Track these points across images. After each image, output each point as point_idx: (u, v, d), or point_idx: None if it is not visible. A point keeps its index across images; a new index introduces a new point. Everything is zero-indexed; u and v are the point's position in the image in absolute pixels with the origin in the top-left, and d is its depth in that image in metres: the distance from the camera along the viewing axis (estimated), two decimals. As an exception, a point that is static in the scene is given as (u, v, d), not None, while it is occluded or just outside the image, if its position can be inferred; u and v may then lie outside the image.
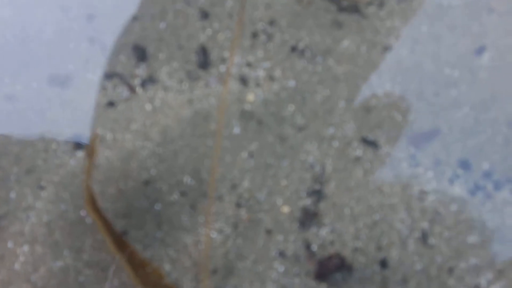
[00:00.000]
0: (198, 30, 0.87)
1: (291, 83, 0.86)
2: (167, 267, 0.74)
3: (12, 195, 0.75)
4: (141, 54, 0.87)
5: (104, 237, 0.70)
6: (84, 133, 0.80)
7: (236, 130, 0.83)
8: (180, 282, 0.73)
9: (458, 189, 0.78)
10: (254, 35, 0.87)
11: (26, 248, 0.71)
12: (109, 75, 0.85)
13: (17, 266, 0.70)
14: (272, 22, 0.87)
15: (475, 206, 0.77)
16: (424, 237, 0.76)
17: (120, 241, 0.69)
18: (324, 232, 0.77)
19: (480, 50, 0.83)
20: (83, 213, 0.73)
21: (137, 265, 0.68)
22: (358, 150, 0.81)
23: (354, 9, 0.88)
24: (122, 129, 0.81)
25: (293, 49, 0.87)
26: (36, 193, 0.75)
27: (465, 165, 0.79)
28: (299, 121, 0.84)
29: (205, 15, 0.88)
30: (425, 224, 0.76)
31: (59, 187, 0.76)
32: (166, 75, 0.86)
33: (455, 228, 0.77)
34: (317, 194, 0.80)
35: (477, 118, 0.81)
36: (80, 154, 0.78)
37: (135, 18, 0.87)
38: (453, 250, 0.76)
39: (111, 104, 0.83)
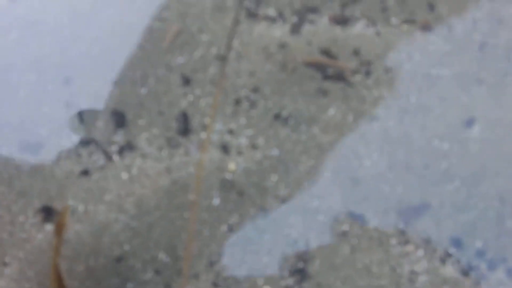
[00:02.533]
0: (180, 96, 0.84)
1: (274, 151, 0.82)
2: None
3: (-28, 272, 0.69)
4: (119, 120, 0.84)
5: None
6: (54, 205, 0.76)
7: (216, 201, 0.79)
8: None
9: (450, 269, 0.74)
10: (237, 102, 0.84)
11: (-18, 333, 0.65)
12: (85, 142, 0.82)
13: None
14: (255, 89, 0.85)
15: None
16: (415, 323, 0.71)
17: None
18: (308, 316, 0.72)
19: (470, 122, 0.80)
20: (48, 293, 0.68)
21: None
22: (345, 225, 0.77)
23: (340, 77, 0.86)
24: (95, 200, 0.77)
25: (277, 116, 0.84)
26: (0, 270, 0.70)
27: (457, 243, 0.75)
28: (282, 192, 0.80)
29: (186, 81, 0.85)
30: (416, 308, 0.72)
31: (23, 264, 0.70)
32: (145, 142, 0.83)
33: (448, 312, 0.72)
34: (300, 273, 0.75)
35: (468, 192, 0.77)
36: (49, 227, 0.74)
37: (114, 83, 0.84)
38: (447, 337, 0.71)
39: (85, 172, 0.79)
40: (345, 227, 0.75)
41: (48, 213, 0.72)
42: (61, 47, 0.84)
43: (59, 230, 0.64)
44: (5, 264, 0.69)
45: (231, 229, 0.75)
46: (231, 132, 0.81)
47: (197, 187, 0.76)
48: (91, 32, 0.85)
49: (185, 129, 0.82)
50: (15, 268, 0.68)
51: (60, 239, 0.64)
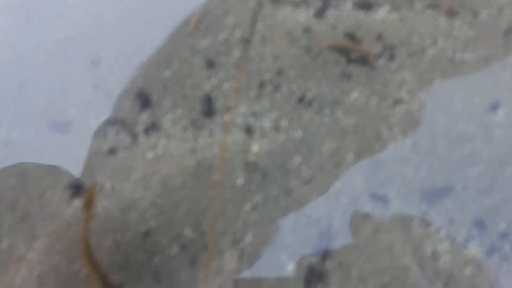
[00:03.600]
0: (203, 79, 0.86)
1: (298, 134, 0.84)
2: (163, 327, 0.70)
3: (4, 244, 0.71)
4: (145, 101, 0.86)
5: None
6: (82, 182, 0.78)
7: (240, 181, 0.81)
8: None
9: (473, 250, 0.74)
10: (261, 85, 0.86)
11: (13, 303, 0.67)
12: (111, 122, 0.84)
13: (3, 322, 0.66)
14: (279, 73, 0.86)
15: (492, 269, 0.74)
16: (438, 302, 0.72)
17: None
18: (331, 293, 0.73)
19: (494, 106, 0.81)
20: (77, 266, 0.70)
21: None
22: (367, 206, 0.78)
23: (364, 61, 0.87)
24: (122, 178, 0.79)
25: (301, 100, 0.86)
26: (29, 244, 0.72)
27: (480, 225, 0.76)
28: (305, 173, 0.81)
29: (210, 64, 0.87)
30: (439, 287, 0.72)
31: (53, 238, 0.72)
32: (170, 123, 0.84)
33: (471, 293, 0.72)
34: (323, 252, 0.76)
35: (492, 176, 0.78)
36: (77, 203, 0.76)
37: (140, 65, 0.87)
38: (469, 317, 0.71)
39: (111, 151, 0.81)
40: (368, 209, 0.76)
41: (76, 189, 0.75)
42: (89, 30, 0.87)
43: (88, 205, 0.66)
44: (34, 238, 0.71)
45: (255, 209, 0.77)
46: (254, 114, 0.83)
47: (221, 167, 0.78)
48: (118, 16, 0.87)
49: (209, 111, 0.83)
50: (44, 241, 0.70)
51: (89, 214, 0.66)
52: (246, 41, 0.86)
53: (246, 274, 0.73)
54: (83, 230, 0.66)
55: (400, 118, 0.80)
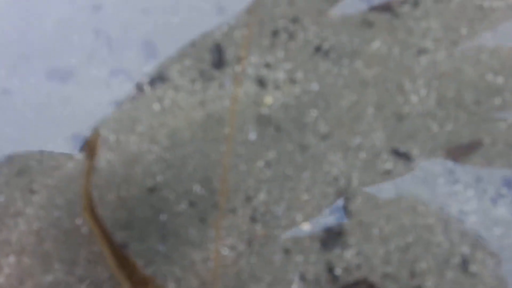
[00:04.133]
0: (213, 26, 0.80)
1: (314, 86, 0.78)
2: (171, 286, 0.66)
3: (0, 198, 0.67)
4: (150, 50, 0.80)
5: (101, 249, 0.62)
6: (84, 133, 0.73)
7: (252, 136, 0.76)
8: (185, 305, 0.65)
9: (502, 210, 0.70)
10: (275, 33, 0.80)
11: (12, 258, 0.63)
12: (114, 72, 0.78)
13: (0, 279, 0.62)
14: (294, 20, 0.80)
15: (520, 230, 0.69)
16: (464, 264, 0.68)
17: (119, 254, 0.61)
18: (349, 254, 0.69)
19: (527, 56, 0.75)
20: (78, 221, 0.65)
21: (138, 282, 0.60)
22: (388, 163, 0.73)
23: (386, 8, 0.81)
24: (126, 130, 0.74)
25: (317, 49, 0.80)
26: (27, 198, 0.67)
27: (509, 183, 0.71)
28: (322, 128, 0.76)
29: (221, 10, 0.81)
30: (465, 249, 0.68)
31: (53, 192, 0.68)
32: (177, 74, 0.79)
33: (499, 254, 0.68)
34: (341, 211, 0.72)
35: (523, 131, 0.72)
36: (79, 156, 0.71)
37: (145, 11, 0.81)
38: (497, 279, 0.67)
39: (115, 102, 0.76)
40: (389, 166, 0.71)
41: (78, 141, 0.70)
42: (90, -26, 0.80)
43: (91, 156, 0.61)
44: (32, 192, 0.66)
45: (268, 165, 0.72)
46: (268, 65, 0.77)
47: (232, 121, 0.73)
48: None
49: (219, 62, 0.78)
50: (43, 195, 0.66)
51: (91, 166, 0.61)
52: (259, -14, 0.79)
53: (260, 233, 0.68)
54: (85, 183, 0.61)
55: (424, 69, 0.75)
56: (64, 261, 0.63)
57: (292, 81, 0.76)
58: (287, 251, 0.68)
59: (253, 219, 0.69)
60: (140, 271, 0.61)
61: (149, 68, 0.76)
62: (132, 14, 0.78)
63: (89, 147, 0.62)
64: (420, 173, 0.70)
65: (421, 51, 0.75)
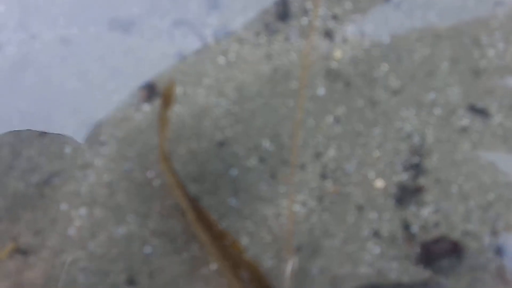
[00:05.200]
0: (279, -24, 0.77)
1: (385, 39, 0.75)
2: (244, 240, 0.64)
3: (67, 150, 0.65)
4: (213, 2, 0.77)
5: (179, 201, 0.60)
6: (149, 85, 0.70)
7: (321, 91, 0.73)
8: (260, 259, 0.63)
9: None
10: (343, -16, 0.76)
11: (82, 211, 0.62)
12: (177, 23, 0.76)
13: (71, 231, 0.61)
14: (364, -30, 0.76)
15: None
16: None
17: (196, 207, 0.60)
18: (426, 212, 0.66)
19: None
20: (150, 174, 0.64)
21: (213, 236, 0.59)
22: (465, 119, 0.70)
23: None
24: (193, 83, 0.72)
25: (388, 0, 0.76)
26: (95, 149, 0.65)
27: None
28: (393, 83, 0.73)
29: (287, -41, 0.77)
30: (548, 208, 0.65)
31: (122, 144, 0.66)
32: (242, 27, 0.76)
33: None
34: (416, 168, 0.69)
35: None
36: (147, 107, 0.69)
37: (207, -40, 0.77)
38: None
39: (180, 55, 0.73)
40: (465, 122, 0.68)
41: (148, 91, 0.67)
42: None
43: (166, 104, 0.59)
44: (101, 143, 0.64)
45: (338, 121, 0.69)
46: (335, 17, 0.74)
47: (301, 75, 0.70)
48: None
49: (284, 14, 0.74)
50: (112, 147, 0.64)
51: (166, 116, 0.59)
52: None
53: (330, 190, 0.66)
54: (160, 134, 0.59)
55: (501, 22, 0.71)
56: (137, 213, 0.61)
57: (362, 33, 0.73)
58: (360, 208, 0.65)
59: (323, 176, 0.67)
60: (216, 225, 0.59)
61: (212, 19, 0.73)
62: (194, -37, 0.75)
63: (164, 96, 0.59)
64: (499, 130, 0.67)
65: (498, 3, 0.71)
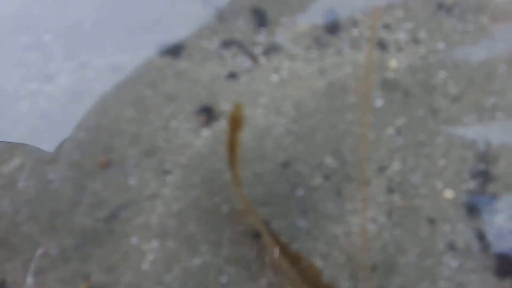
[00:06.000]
0: (325, -12, 0.75)
1: (440, 45, 0.74)
2: (318, 262, 0.63)
3: (132, 181, 0.64)
4: (260, 19, 0.76)
5: (256, 227, 0.59)
6: (206, 109, 0.69)
7: (379, 102, 0.71)
8: (336, 281, 0.62)
9: None
10: (391, -8, 0.75)
11: (155, 243, 0.60)
12: (226, 43, 0.74)
13: (145, 265, 0.60)
14: (411, -24, 0.75)
15: None
16: None
17: (269, 232, 0.58)
18: (500, 219, 0.65)
19: None
20: (217, 200, 0.62)
21: (289, 260, 0.57)
22: (529, 122, 0.69)
23: (508, -42, 0.76)
24: (249, 103, 0.70)
25: (440, 6, 0.75)
26: (161, 179, 0.64)
27: None
28: (452, 90, 0.72)
29: (331, -30, 0.76)
30: None
31: (187, 171, 0.64)
32: (291, 42, 0.75)
33: None
34: (484, 175, 0.68)
35: None
36: (206, 132, 0.67)
37: (252, -24, 0.76)
38: None
39: (232, 75, 0.72)
40: (530, 125, 0.67)
41: (206, 115, 0.66)
42: None
43: (235, 127, 0.57)
44: (166, 172, 0.63)
45: (399, 132, 0.68)
46: (387, 26, 0.72)
47: (366, 86, 0.68)
48: None
49: (333, 26, 0.73)
50: (178, 175, 0.63)
51: (237, 139, 0.58)
52: None
53: (399, 204, 0.65)
54: (232, 159, 0.58)
55: (559, 21, 0.69)
56: (209, 242, 0.60)
57: (416, 41, 0.71)
58: (431, 221, 0.64)
59: (389, 190, 0.66)
60: (291, 248, 0.57)
61: (260, 37, 0.72)
62: (238, -19, 0.74)
63: (233, 120, 0.58)
64: None
65: (554, 2, 0.70)
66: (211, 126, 0.65)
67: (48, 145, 0.60)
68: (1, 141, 0.59)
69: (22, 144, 0.60)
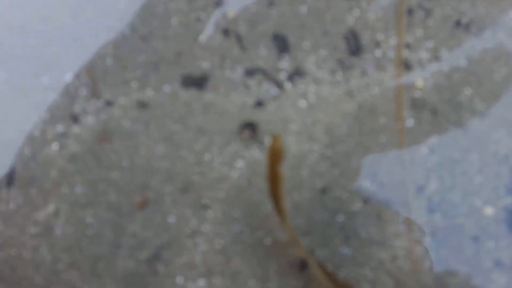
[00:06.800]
0: (344, 11, 0.75)
1: (462, 63, 0.74)
2: (367, 291, 0.61)
3: (171, 219, 0.62)
4: (282, 44, 0.76)
5: (306, 259, 0.57)
6: (238, 140, 0.67)
7: (409, 122, 0.71)
8: (388, 308, 0.60)
9: None
10: (410, 12, 0.75)
11: (201, 282, 0.58)
12: (250, 72, 0.73)
13: (191, 306, 0.57)
14: (428, -4, 0.75)
15: None
16: None
17: (314, 261, 0.56)
18: (543, 233, 0.65)
19: None
20: (259, 233, 0.60)
21: (341, 288, 0.56)
22: (559, 134, 0.69)
23: (519, -26, 0.77)
24: (281, 131, 0.69)
25: (457, 24, 0.76)
26: (200, 215, 0.62)
27: None
28: (479, 106, 0.72)
29: (349, -6, 0.76)
30: None
31: (226, 205, 0.63)
32: (314, 66, 0.74)
33: None
34: (520, 190, 0.68)
35: None
36: (240, 163, 0.66)
37: (271, 3, 0.76)
38: None
39: (259, 104, 0.71)
40: (559, 136, 0.67)
41: (236, 149, 0.64)
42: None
43: (275, 159, 0.56)
44: (205, 207, 0.61)
45: (432, 151, 0.68)
46: (409, 46, 0.73)
47: (398, 108, 0.68)
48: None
49: (356, 48, 0.73)
50: (217, 210, 0.61)
51: (278, 172, 0.56)
52: (386, -36, 0.75)
53: (441, 224, 0.64)
54: (277, 192, 0.56)
55: None
56: (256, 277, 0.58)
57: (438, 59, 0.72)
58: (475, 239, 0.63)
59: (430, 210, 0.65)
60: (338, 277, 0.56)
61: (284, 63, 0.71)
62: (258, 8, 0.73)
63: (273, 152, 0.57)
64: None
65: None
66: (245, 157, 0.63)
67: (82, 188, 0.57)
68: (33, 187, 0.57)
69: (56, 188, 0.58)
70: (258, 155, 0.63)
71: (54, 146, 0.59)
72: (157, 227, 0.57)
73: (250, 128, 0.61)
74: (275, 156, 0.55)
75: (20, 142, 0.58)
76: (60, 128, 0.61)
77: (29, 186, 0.55)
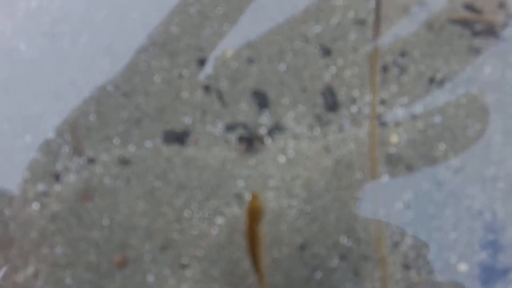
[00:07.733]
0: (321, 68, 0.78)
1: (437, 118, 0.76)
2: None
3: (150, 278, 0.62)
4: (262, 100, 0.77)
5: None
6: (218, 195, 0.68)
7: (384, 177, 0.73)
8: None
9: None
10: (385, 68, 0.78)
11: None
12: (230, 126, 0.75)
13: None
14: (403, 53, 0.78)
15: None
16: None
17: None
18: (516, 290, 0.66)
19: None
20: (239, 293, 0.60)
21: None
22: (530, 190, 0.71)
23: (490, 32, 0.80)
24: (260, 186, 0.71)
25: (431, 80, 0.78)
26: (179, 274, 0.62)
27: None
28: (454, 161, 0.74)
29: (327, 51, 0.78)
30: None
31: (205, 263, 0.63)
32: (293, 122, 0.76)
33: None
34: (493, 245, 0.69)
35: None
36: (220, 220, 0.67)
37: (250, 61, 0.78)
38: None
39: (239, 158, 0.72)
40: (530, 192, 0.69)
41: (216, 205, 0.65)
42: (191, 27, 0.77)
43: (254, 218, 0.57)
44: (183, 266, 0.62)
45: (408, 206, 0.69)
46: (383, 102, 0.75)
47: (372, 164, 0.70)
48: (221, 11, 0.78)
49: (333, 104, 0.75)
50: (196, 269, 0.62)
51: (256, 232, 0.57)
52: (362, 22, 0.78)
53: (416, 281, 0.65)
54: (255, 251, 0.57)
55: (545, 90, 0.73)
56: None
57: (413, 115, 0.74)
58: (450, 295, 0.64)
59: (406, 266, 0.66)
60: None
61: (264, 118, 0.73)
62: (238, 65, 0.75)
63: (251, 211, 0.58)
64: None
65: (539, 72, 0.74)
66: (226, 214, 0.64)
67: (62, 248, 0.58)
68: (13, 248, 0.57)
69: (35, 249, 0.58)
70: (237, 211, 0.64)
71: (35, 206, 0.59)
72: (136, 286, 0.57)
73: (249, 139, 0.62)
74: (254, 214, 0.56)
75: (1, 203, 0.58)
76: (41, 187, 0.61)
77: (9, 247, 0.55)
